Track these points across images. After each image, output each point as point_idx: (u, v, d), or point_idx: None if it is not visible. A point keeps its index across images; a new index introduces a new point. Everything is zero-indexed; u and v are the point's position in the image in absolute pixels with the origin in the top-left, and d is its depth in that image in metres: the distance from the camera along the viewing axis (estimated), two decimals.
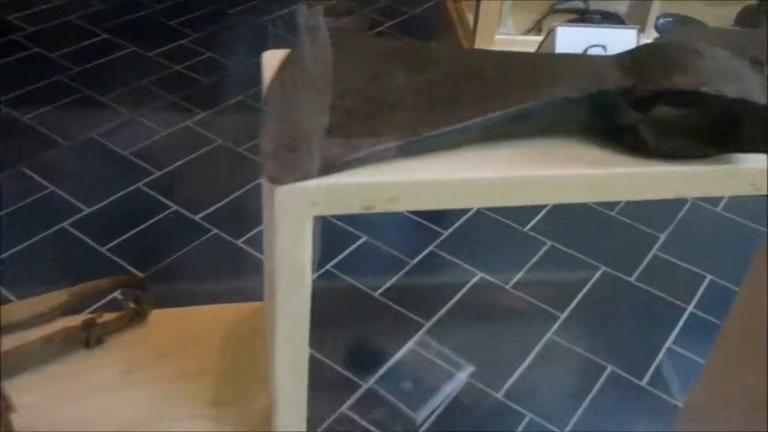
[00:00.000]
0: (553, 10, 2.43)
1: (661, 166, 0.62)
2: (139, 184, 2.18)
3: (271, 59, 0.69)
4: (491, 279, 2.00)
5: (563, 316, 1.92)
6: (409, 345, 1.81)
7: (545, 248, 2.10)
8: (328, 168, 0.56)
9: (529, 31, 2.33)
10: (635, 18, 2.33)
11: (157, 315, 0.88)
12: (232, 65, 2.78)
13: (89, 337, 0.83)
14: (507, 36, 2.20)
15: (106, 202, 2.12)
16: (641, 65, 0.62)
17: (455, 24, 2.31)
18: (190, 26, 2.99)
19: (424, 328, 1.85)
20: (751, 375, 1.08)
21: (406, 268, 2.01)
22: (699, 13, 2.47)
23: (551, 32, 0.67)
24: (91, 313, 0.89)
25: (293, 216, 0.57)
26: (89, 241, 1.98)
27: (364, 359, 1.78)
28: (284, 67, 0.67)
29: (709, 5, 2.56)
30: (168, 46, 2.85)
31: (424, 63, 0.65)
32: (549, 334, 1.87)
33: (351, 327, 1.86)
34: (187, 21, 3.03)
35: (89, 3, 3.08)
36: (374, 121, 0.59)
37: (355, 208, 0.57)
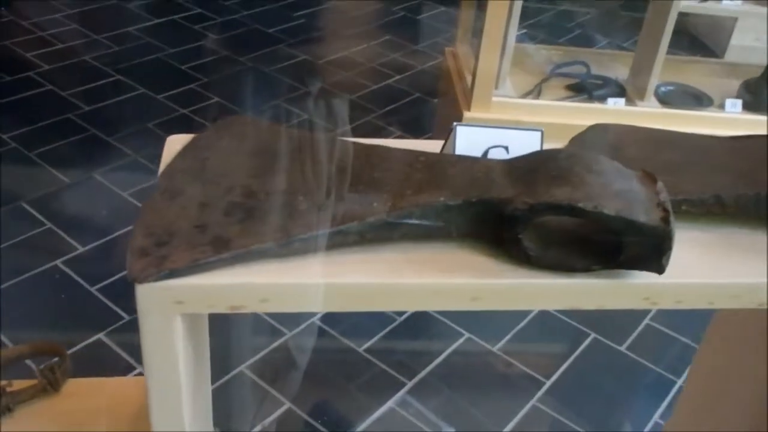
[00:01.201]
0: (554, 74, 2.43)
1: (547, 278, 0.61)
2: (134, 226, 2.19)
3: (173, 144, 0.69)
4: (478, 341, 1.98)
5: (549, 383, 1.89)
6: (389, 404, 1.79)
7: (535, 312, 2.08)
8: (195, 267, 0.56)
9: (528, 94, 2.32)
10: (635, 85, 2.32)
11: (71, 384, 0.87)
12: (239, 111, 2.81)
13: None
14: (505, 98, 2.19)
15: (100, 241, 2.13)
16: (529, 174, 0.61)
17: (455, 84, 2.32)
18: (200, 71, 3.03)
19: (406, 388, 1.83)
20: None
21: (393, 325, 2.00)
22: (702, 83, 2.46)
23: (453, 130, 0.67)
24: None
25: (158, 314, 0.56)
26: (80, 280, 2.00)
27: (342, 416, 1.76)
28: (183, 154, 0.67)
29: (713, 76, 2.55)
30: (177, 89, 2.89)
31: (318, 160, 0.64)
32: (533, 401, 1.84)
33: (332, 382, 1.84)
34: (199, 66, 3.07)
35: (105, 44, 3.15)
36: (249, 220, 0.59)
37: (223, 308, 0.57)
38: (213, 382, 1.74)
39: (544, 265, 0.61)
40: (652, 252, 0.59)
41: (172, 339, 0.58)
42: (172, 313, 0.57)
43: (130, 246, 0.57)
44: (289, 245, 0.58)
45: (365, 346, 1.92)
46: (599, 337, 2.02)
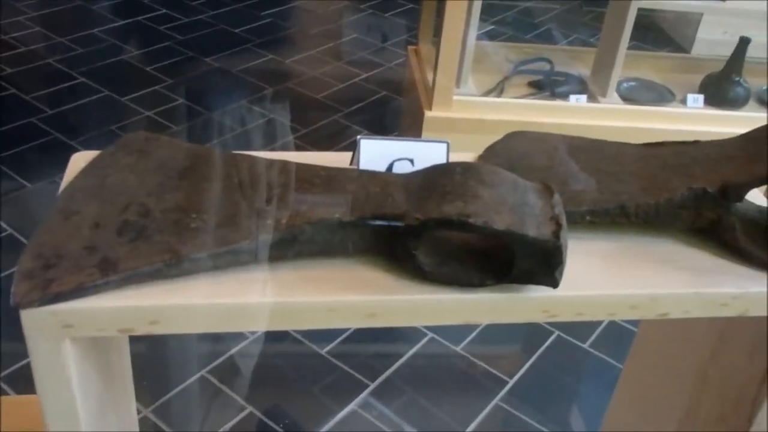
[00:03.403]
0: (517, 72, 2.43)
1: (445, 293, 0.60)
2: None
3: (78, 162, 0.68)
4: (442, 341, 1.98)
5: (512, 381, 1.89)
6: (352, 406, 1.79)
7: None
8: (82, 290, 0.55)
9: (490, 92, 2.32)
10: (598, 82, 2.32)
11: None
12: (204, 112, 2.79)
13: None
14: (466, 97, 2.18)
15: None
16: (424, 189, 0.60)
17: (417, 83, 2.31)
18: (166, 72, 3.01)
19: (369, 389, 1.82)
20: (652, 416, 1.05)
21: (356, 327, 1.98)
22: (666, 79, 2.46)
23: (357, 143, 0.66)
24: None
25: (46, 338, 0.55)
26: None
27: (304, 419, 1.76)
28: (85, 172, 0.66)
29: (677, 70, 2.55)
30: (142, 91, 2.87)
31: (213, 177, 0.64)
32: (495, 400, 1.84)
33: (294, 385, 1.84)
34: (164, 67, 3.05)
35: (69, 47, 3.12)
36: (140, 240, 0.58)
37: (112, 331, 0.56)
38: (173, 387, 1.74)
39: (440, 280, 0.60)
40: (544, 266, 0.58)
41: (63, 363, 0.57)
42: (60, 337, 0.56)
43: (18, 268, 0.56)
44: (178, 266, 0.57)
45: (327, 348, 1.91)
46: (563, 335, 2.02)
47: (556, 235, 0.57)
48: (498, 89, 2.34)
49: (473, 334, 1.99)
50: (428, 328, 2.00)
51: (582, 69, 2.46)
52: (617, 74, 2.25)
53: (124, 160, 0.67)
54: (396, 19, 3.71)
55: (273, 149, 2.57)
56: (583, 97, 2.27)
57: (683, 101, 2.35)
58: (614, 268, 0.65)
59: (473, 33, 2.19)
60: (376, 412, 1.77)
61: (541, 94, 2.34)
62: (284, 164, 0.65)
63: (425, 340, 1.97)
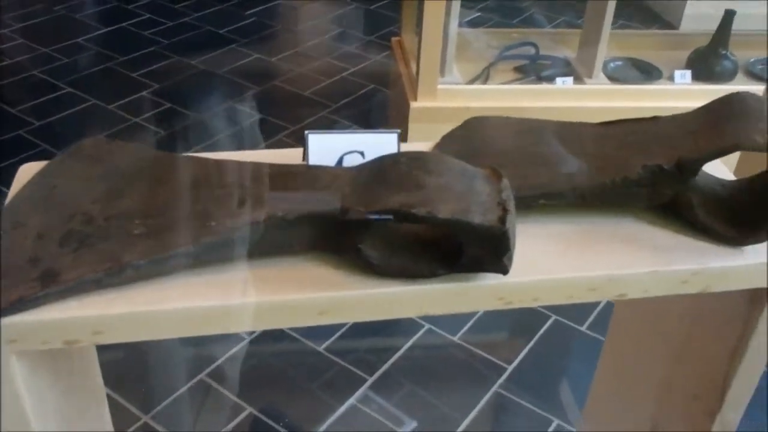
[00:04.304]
0: (502, 57, 2.41)
1: (396, 286, 0.59)
2: None
3: (26, 173, 0.67)
4: (439, 331, 1.97)
5: (510, 368, 1.88)
6: (351, 401, 1.78)
7: None
8: (22, 304, 0.54)
9: (475, 79, 2.31)
10: (584, 63, 2.31)
11: None
12: (192, 116, 2.79)
13: None
14: (450, 86, 2.17)
15: None
16: (370, 182, 0.59)
17: (402, 74, 2.30)
18: (152, 77, 3.00)
19: (367, 384, 1.82)
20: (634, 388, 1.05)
21: (352, 322, 1.98)
22: (653, 56, 2.44)
23: (305, 138, 0.65)
24: None
25: None
26: None
27: (304, 417, 1.75)
28: (32, 182, 0.65)
29: (664, 47, 2.53)
30: (129, 98, 2.86)
31: (157, 181, 0.63)
32: (495, 387, 1.83)
33: (293, 384, 1.83)
34: (149, 72, 3.04)
35: (54, 57, 3.12)
36: (83, 250, 0.57)
37: (57, 343, 0.55)
38: (172, 391, 1.74)
39: (389, 273, 0.59)
40: (492, 253, 0.57)
41: (11, 379, 0.56)
42: (5, 352, 0.55)
43: None
44: (120, 274, 0.56)
45: (325, 344, 1.91)
46: (560, 319, 2.01)
47: (503, 220, 0.56)
48: (483, 76, 2.33)
49: (470, 323, 1.98)
50: (425, 319, 1.99)
51: (568, 51, 2.44)
52: (603, 54, 2.24)
53: (74, 167, 0.66)
54: (381, 11, 3.69)
55: (259, 149, 2.56)
56: (570, 79, 2.25)
57: (671, 78, 2.33)
58: (571, 251, 0.64)
59: (455, 21, 2.18)
60: (376, 406, 1.77)
61: (527, 78, 2.33)
62: (231, 164, 0.64)
63: (422, 331, 1.96)
